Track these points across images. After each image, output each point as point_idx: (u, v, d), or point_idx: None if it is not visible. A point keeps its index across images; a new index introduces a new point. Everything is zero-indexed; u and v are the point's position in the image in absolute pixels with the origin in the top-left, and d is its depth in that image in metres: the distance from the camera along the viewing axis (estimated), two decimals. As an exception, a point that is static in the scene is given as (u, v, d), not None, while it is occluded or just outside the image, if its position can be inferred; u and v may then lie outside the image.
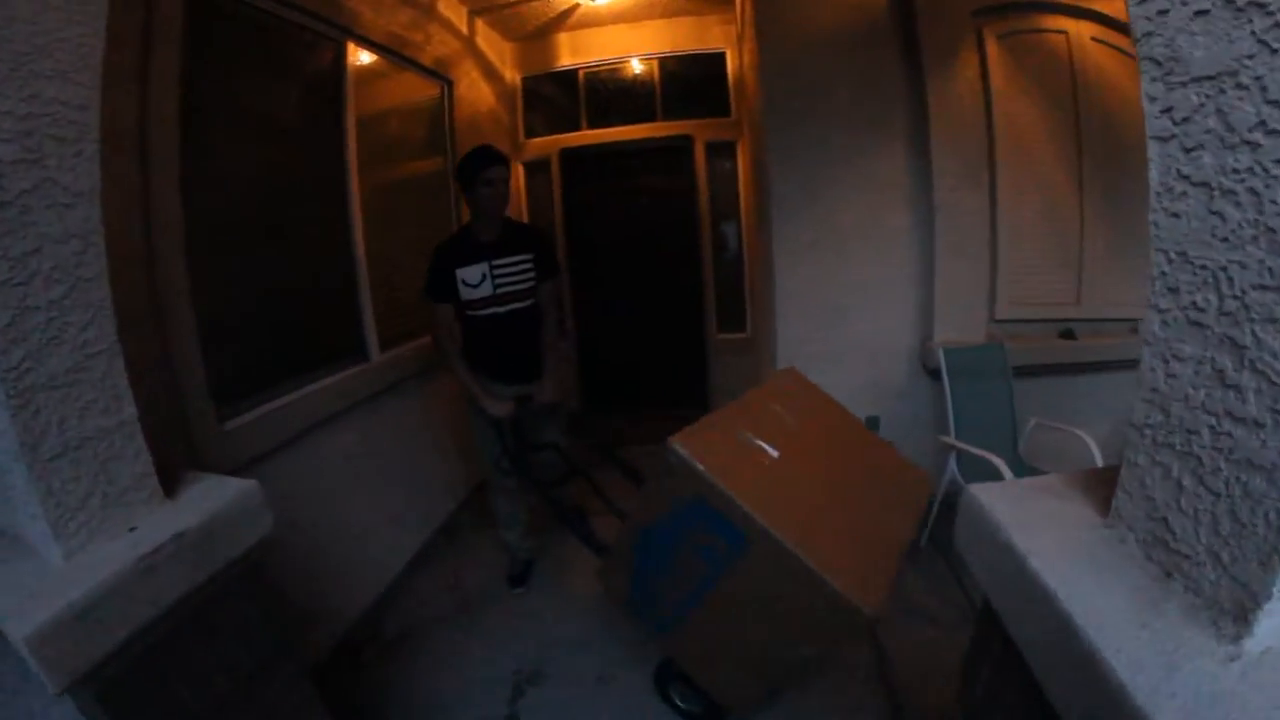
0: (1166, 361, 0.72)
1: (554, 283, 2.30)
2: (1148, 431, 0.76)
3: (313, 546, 2.07)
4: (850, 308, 2.84)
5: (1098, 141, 2.85)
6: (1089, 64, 2.81)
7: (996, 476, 2.23)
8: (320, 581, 2.08)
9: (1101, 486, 0.91)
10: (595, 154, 4.25)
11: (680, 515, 1.29)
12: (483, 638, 2.26)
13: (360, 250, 2.48)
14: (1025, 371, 2.77)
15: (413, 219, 2.94)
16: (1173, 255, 0.69)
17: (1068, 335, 2.92)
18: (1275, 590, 0.62)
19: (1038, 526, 0.84)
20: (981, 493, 0.91)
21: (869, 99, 2.71)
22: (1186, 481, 0.71)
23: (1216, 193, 0.63)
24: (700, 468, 1.20)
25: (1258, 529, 0.63)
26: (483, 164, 2.08)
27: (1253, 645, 0.64)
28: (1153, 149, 0.70)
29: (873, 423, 2.85)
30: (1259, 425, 0.61)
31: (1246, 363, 0.62)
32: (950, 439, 2.58)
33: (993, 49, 2.74)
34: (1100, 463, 2.27)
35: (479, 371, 2.24)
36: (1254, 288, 0.61)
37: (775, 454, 1.32)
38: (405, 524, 2.74)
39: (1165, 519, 0.75)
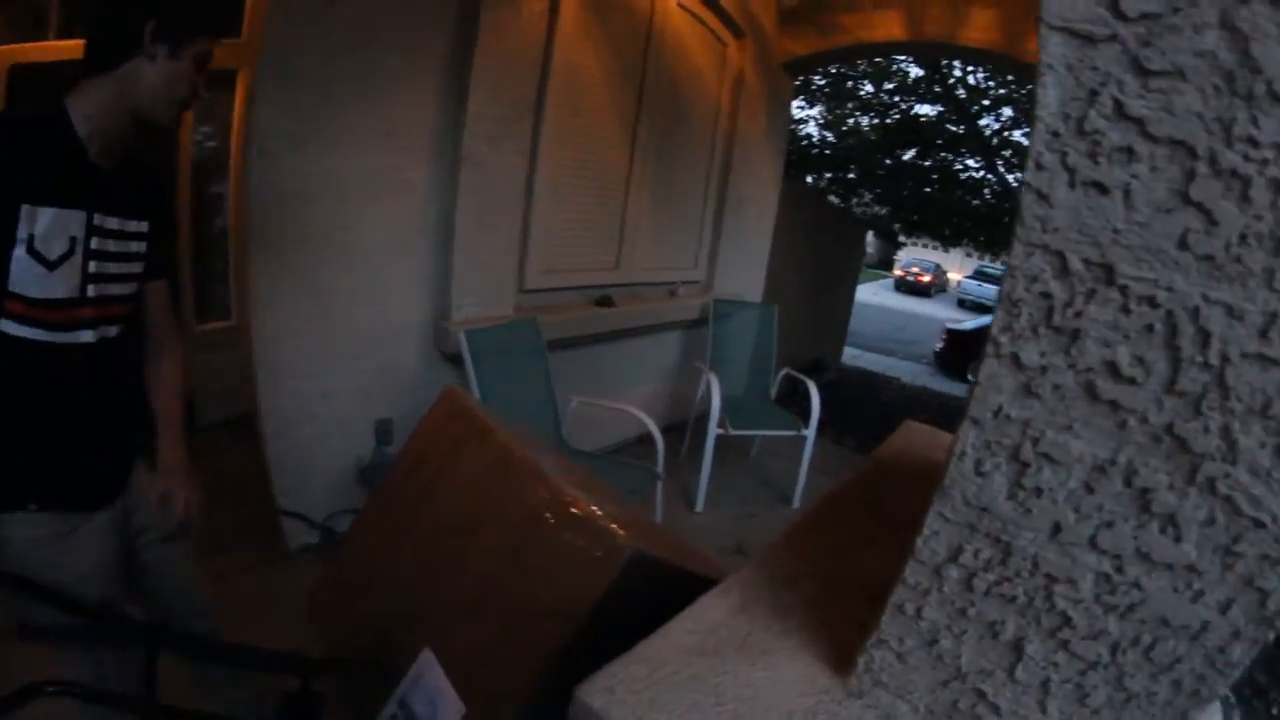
0: (978, 463, 0.45)
1: (166, 285, 1.21)
2: (973, 568, 0.50)
3: None
4: (351, 285, 2.16)
5: (659, 106, 2.96)
6: (669, 27, 2.87)
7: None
8: None
9: (806, 616, 0.66)
10: (66, 72, 2.17)
11: None
12: None
13: None
14: (561, 345, 2.66)
15: None
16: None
17: (605, 302, 3.01)
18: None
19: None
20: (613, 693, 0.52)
21: (399, 14, 2.03)
22: (1033, 647, 0.47)
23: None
24: None
25: (1158, 696, 0.42)
26: (220, 16, 1.06)
27: None
28: None
29: (384, 427, 2.28)
30: (1193, 571, 0.40)
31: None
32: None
33: (570, -13, 2.46)
34: (659, 437, 2.32)
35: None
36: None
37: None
38: None
39: (979, 690, 0.51)
